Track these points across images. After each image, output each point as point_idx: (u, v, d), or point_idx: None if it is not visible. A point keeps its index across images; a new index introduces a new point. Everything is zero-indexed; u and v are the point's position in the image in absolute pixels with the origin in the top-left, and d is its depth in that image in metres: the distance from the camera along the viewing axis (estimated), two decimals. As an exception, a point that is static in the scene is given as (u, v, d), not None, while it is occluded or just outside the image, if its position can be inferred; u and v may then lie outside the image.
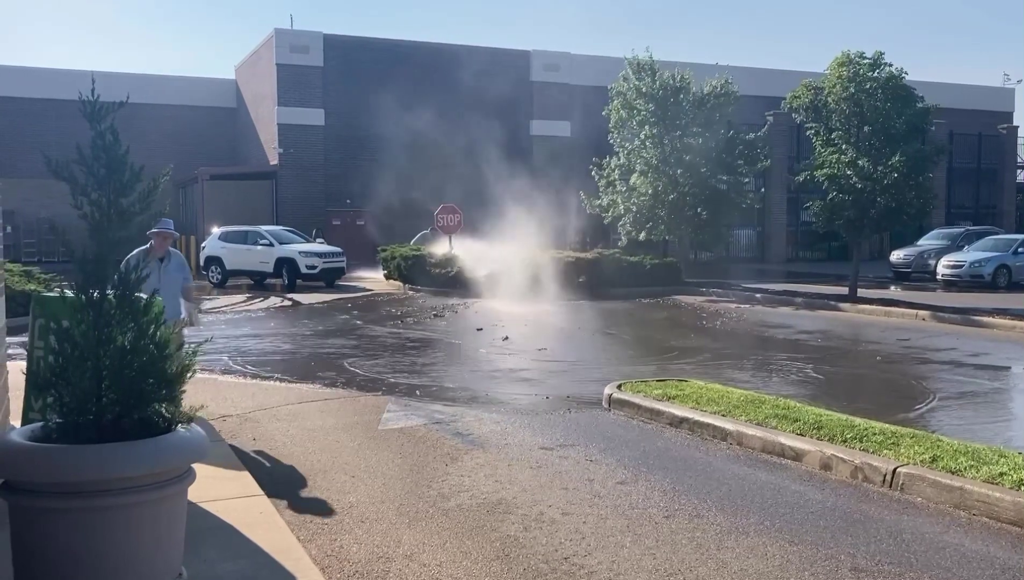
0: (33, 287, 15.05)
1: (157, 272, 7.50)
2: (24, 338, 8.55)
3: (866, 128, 18.56)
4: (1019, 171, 43.38)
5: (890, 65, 18.57)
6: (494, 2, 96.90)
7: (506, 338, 13.87)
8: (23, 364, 5.93)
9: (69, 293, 4.00)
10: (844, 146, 18.90)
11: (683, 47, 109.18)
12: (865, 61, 18.56)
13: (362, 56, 34.32)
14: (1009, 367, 11.87)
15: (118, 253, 3.94)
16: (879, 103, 18.48)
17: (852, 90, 18.45)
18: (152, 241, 7.95)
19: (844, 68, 18.57)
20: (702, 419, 7.63)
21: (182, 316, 8.15)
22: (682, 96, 24.13)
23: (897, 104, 18.52)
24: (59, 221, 4.44)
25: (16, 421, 5.50)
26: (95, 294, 3.79)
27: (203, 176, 32.96)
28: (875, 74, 18.51)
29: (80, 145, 3.93)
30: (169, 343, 3.91)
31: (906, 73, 18.63)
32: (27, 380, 5.38)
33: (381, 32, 77.62)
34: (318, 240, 27.79)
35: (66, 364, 3.72)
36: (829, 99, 18.87)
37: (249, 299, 21.67)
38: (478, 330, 15.03)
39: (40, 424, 3.90)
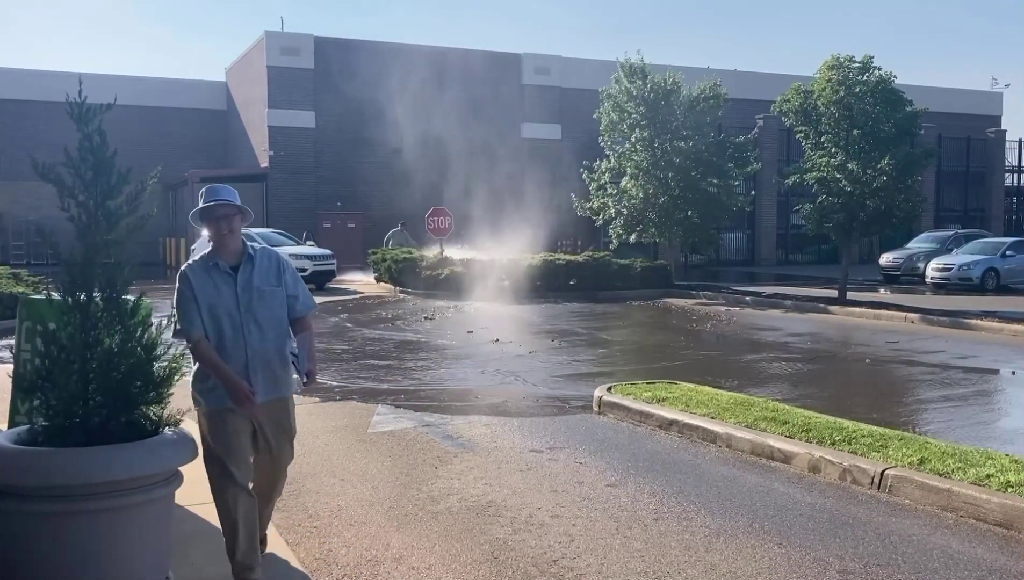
0: (22, 290, 14.98)
1: (231, 287, 4.29)
2: (12, 341, 8.43)
3: (855, 131, 18.61)
4: (1007, 174, 43.64)
5: (879, 69, 18.64)
6: (485, 6, 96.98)
7: (496, 340, 13.87)
8: (10, 367, 5.90)
9: (56, 295, 3.98)
10: (833, 149, 18.95)
11: (674, 51, 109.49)
12: (855, 65, 18.63)
13: (353, 58, 34.31)
14: (997, 370, 11.92)
15: (106, 255, 3.92)
16: (868, 107, 18.55)
17: (841, 94, 18.51)
18: (209, 234, 4.39)
19: (833, 72, 18.63)
20: (691, 421, 7.64)
21: (291, 372, 4.48)
22: (672, 99, 24.18)
23: (886, 108, 18.58)
24: (48, 223, 4.41)
25: (2, 425, 5.47)
26: (82, 296, 3.78)
27: (193, 178, 32.82)
28: (864, 78, 18.57)
29: (67, 147, 3.92)
30: (157, 345, 3.89)
31: (895, 77, 18.71)
32: (13, 383, 5.35)
33: (372, 35, 77.71)
34: (308, 243, 27.72)
35: (52, 367, 3.71)
36: (819, 102, 18.93)
37: (239, 302, 21.57)
38: (468, 333, 15.03)
39: (26, 427, 3.89)
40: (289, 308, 4.49)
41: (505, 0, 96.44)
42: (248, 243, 4.46)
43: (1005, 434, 8.27)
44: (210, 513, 5.33)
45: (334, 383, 10.35)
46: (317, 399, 9.37)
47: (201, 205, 4.33)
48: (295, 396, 4.61)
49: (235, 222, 4.36)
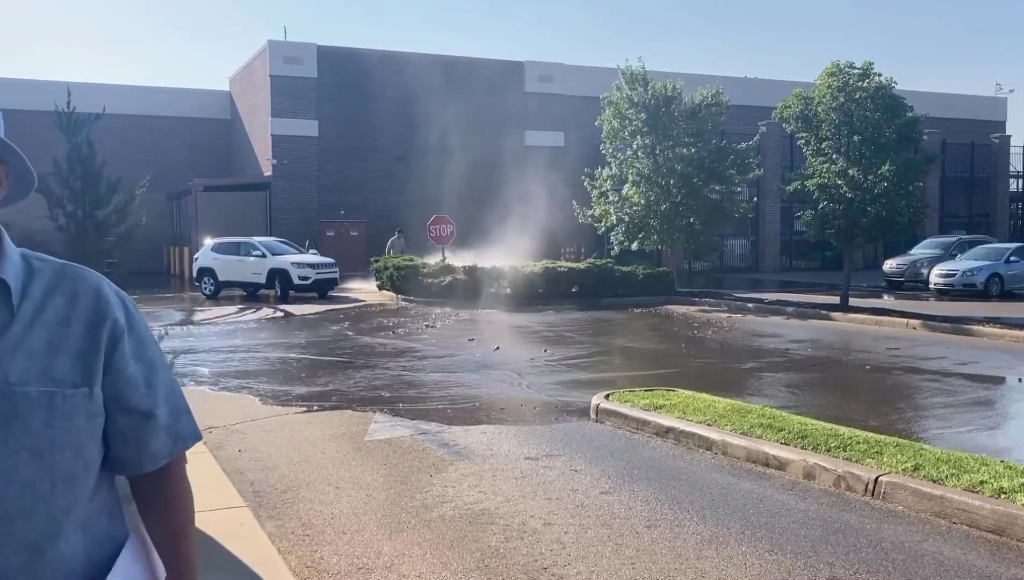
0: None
1: None
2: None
3: (856, 138, 18.62)
4: (1012, 180, 43.58)
5: (879, 75, 18.65)
6: (488, 14, 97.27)
7: (497, 348, 13.88)
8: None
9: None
10: (834, 156, 18.96)
11: (676, 58, 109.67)
12: (854, 71, 18.64)
13: (356, 67, 34.44)
14: (997, 376, 11.89)
15: (96, 265, 3.95)
16: (868, 113, 18.56)
17: (841, 100, 18.53)
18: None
19: (834, 78, 18.65)
20: (688, 429, 7.63)
21: None
22: (674, 106, 24.18)
23: (887, 114, 18.59)
24: (40, 233, 4.44)
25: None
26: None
27: (197, 187, 32.98)
28: (864, 84, 18.58)
29: (56, 157, 3.96)
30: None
31: (895, 83, 18.72)
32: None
33: (375, 43, 77.97)
34: (311, 251, 27.79)
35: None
36: (819, 109, 18.95)
37: (241, 310, 21.65)
38: (469, 340, 15.04)
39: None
40: (132, 445, 1.60)
41: (509, 8, 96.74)
42: (17, 253, 1.55)
43: (1004, 441, 8.25)
44: (203, 522, 5.34)
45: (332, 391, 10.36)
46: (315, 408, 9.39)
47: None
48: None
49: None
